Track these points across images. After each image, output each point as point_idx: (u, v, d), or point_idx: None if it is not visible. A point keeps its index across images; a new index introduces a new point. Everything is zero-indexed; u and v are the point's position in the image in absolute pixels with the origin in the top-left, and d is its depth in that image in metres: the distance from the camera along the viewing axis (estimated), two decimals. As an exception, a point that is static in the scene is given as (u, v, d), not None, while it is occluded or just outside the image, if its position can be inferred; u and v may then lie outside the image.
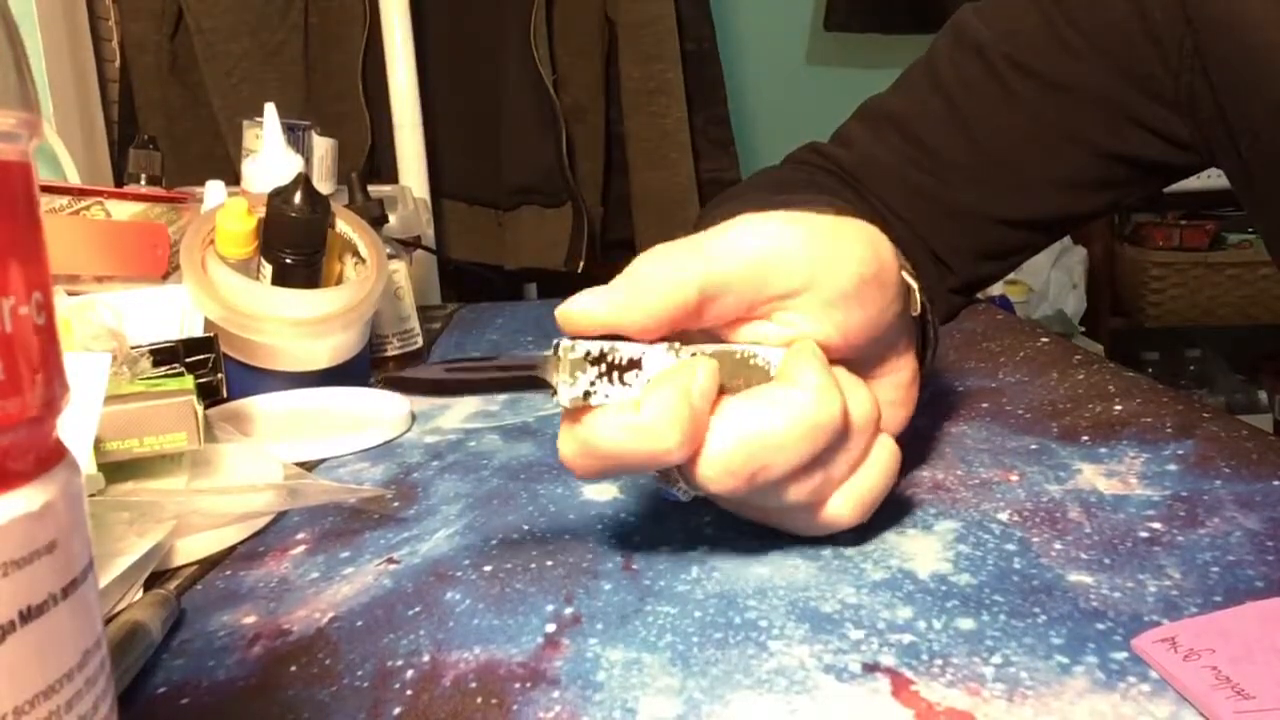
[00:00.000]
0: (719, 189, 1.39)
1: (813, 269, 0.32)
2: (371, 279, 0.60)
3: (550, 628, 0.31)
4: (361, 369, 0.63)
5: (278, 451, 0.46)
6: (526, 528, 0.39)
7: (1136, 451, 0.42)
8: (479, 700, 0.27)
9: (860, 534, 0.35)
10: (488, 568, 0.35)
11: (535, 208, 1.59)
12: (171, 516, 0.37)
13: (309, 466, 0.48)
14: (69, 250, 0.60)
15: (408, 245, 0.78)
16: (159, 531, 0.36)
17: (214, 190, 0.66)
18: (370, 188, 0.73)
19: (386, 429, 0.52)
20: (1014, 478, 0.40)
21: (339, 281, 0.63)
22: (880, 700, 0.26)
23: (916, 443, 0.44)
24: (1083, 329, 2.29)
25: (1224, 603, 0.29)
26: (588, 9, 1.57)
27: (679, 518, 0.38)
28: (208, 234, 0.58)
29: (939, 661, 0.27)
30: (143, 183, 0.81)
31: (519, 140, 1.56)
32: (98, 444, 0.39)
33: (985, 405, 0.50)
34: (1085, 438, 0.44)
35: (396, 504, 0.42)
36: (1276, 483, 0.37)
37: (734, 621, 0.30)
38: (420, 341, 0.73)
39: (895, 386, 0.36)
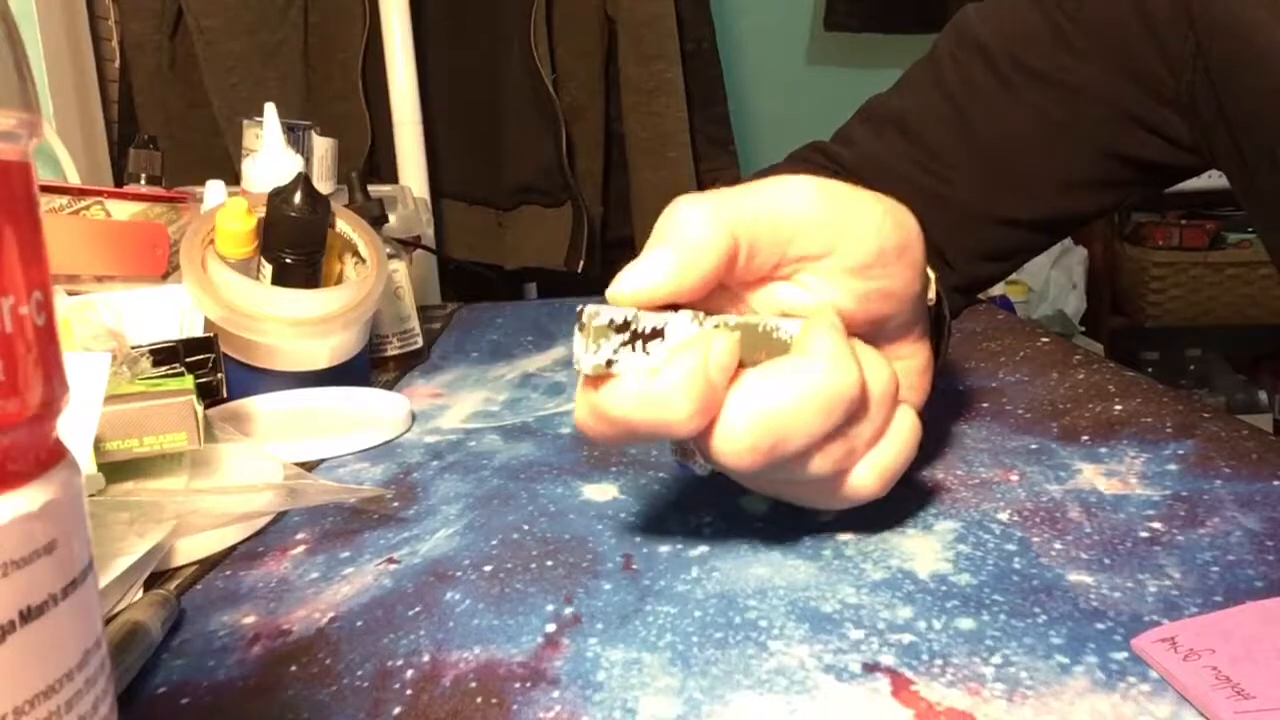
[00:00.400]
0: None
1: (836, 234, 0.32)
2: (371, 279, 0.60)
3: (550, 628, 0.31)
4: (361, 369, 0.63)
5: (278, 451, 0.46)
6: (526, 528, 0.39)
7: (1136, 451, 0.42)
8: (479, 700, 0.27)
9: (860, 534, 0.35)
10: (488, 568, 0.35)
11: (535, 207, 1.59)
12: (171, 516, 0.37)
13: (309, 466, 0.48)
14: (69, 250, 0.60)
15: (408, 245, 0.78)
16: (159, 531, 0.36)
17: (214, 190, 0.66)
18: (370, 188, 0.73)
19: (386, 429, 0.52)
20: (1014, 478, 0.40)
21: (339, 281, 0.63)
22: (880, 700, 0.26)
23: (916, 443, 0.44)
24: (1083, 329, 2.29)
25: (1224, 603, 0.29)
26: (588, 8, 1.57)
27: (679, 517, 0.38)
28: (208, 234, 0.58)
29: (939, 661, 0.27)
30: (143, 183, 0.81)
31: (519, 140, 1.56)
32: (98, 444, 0.39)
33: (985, 405, 0.50)
34: (1085, 438, 0.44)
35: (396, 504, 0.42)
36: (1276, 483, 0.37)
37: (734, 621, 0.30)
38: (420, 341, 0.73)
39: (909, 372, 0.36)
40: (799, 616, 0.30)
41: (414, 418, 0.55)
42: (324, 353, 0.59)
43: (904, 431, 0.33)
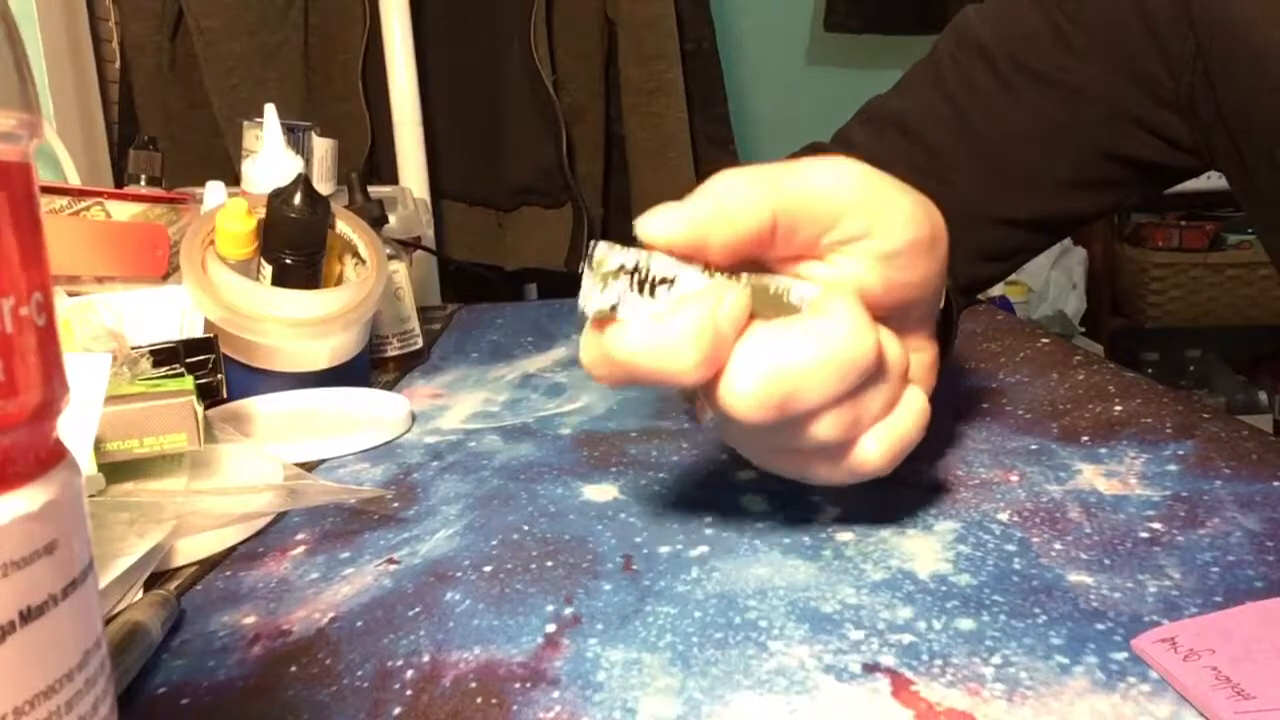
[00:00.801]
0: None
1: (874, 218, 0.32)
2: (371, 279, 0.60)
3: (550, 628, 0.31)
4: (361, 369, 0.63)
5: (278, 452, 0.46)
6: (526, 528, 0.39)
7: (1136, 452, 0.42)
8: (479, 700, 0.27)
9: (860, 534, 0.35)
10: (488, 568, 0.35)
11: (535, 208, 1.59)
12: (171, 517, 0.37)
13: (309, 466, 0.48)
14: (69, 250, 0.60)
15: (408, 245, 0.78)
16: (159, 532, 0.36)
17: (214, 190, 0.66)
18: (370, 188, 0.73)
19: (386, 429, 0.52)
20: (1014, 478, 0.40)
21: (339, 282, 0.63)
22: (880, 700, 0.26)
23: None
24: (1083, 329, 2.29)
25: (1224, 603, 0.29)
26: (588, 9, 1.57)
27: (679, 517, 0.38)
28: (208, 234, 0.58)
29: (939, 661, 0.27)
30: (143, 183, 0.81)
31: (519, 140, 1.56)
32: (98, 444, 0.39)
33: (985, 405, 0.50)
34: (1085, 438, 0.44)
35: (396, 504, 0.42)
36: (1276, 483, 0.37)
37: (734, 621, 0.30)
38: (420, 342, 0.73)
39: (917, 365, 0.36)
40: (799, 617, 0.30)
41: (414, 418, 0.55)
42: (324, 353, 0.59)
43: (914, 408, 0.33)
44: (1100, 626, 0.29)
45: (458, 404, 0.59)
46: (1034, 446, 0.43)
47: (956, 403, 0.50)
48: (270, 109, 0.67)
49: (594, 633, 0.30)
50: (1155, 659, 0.26)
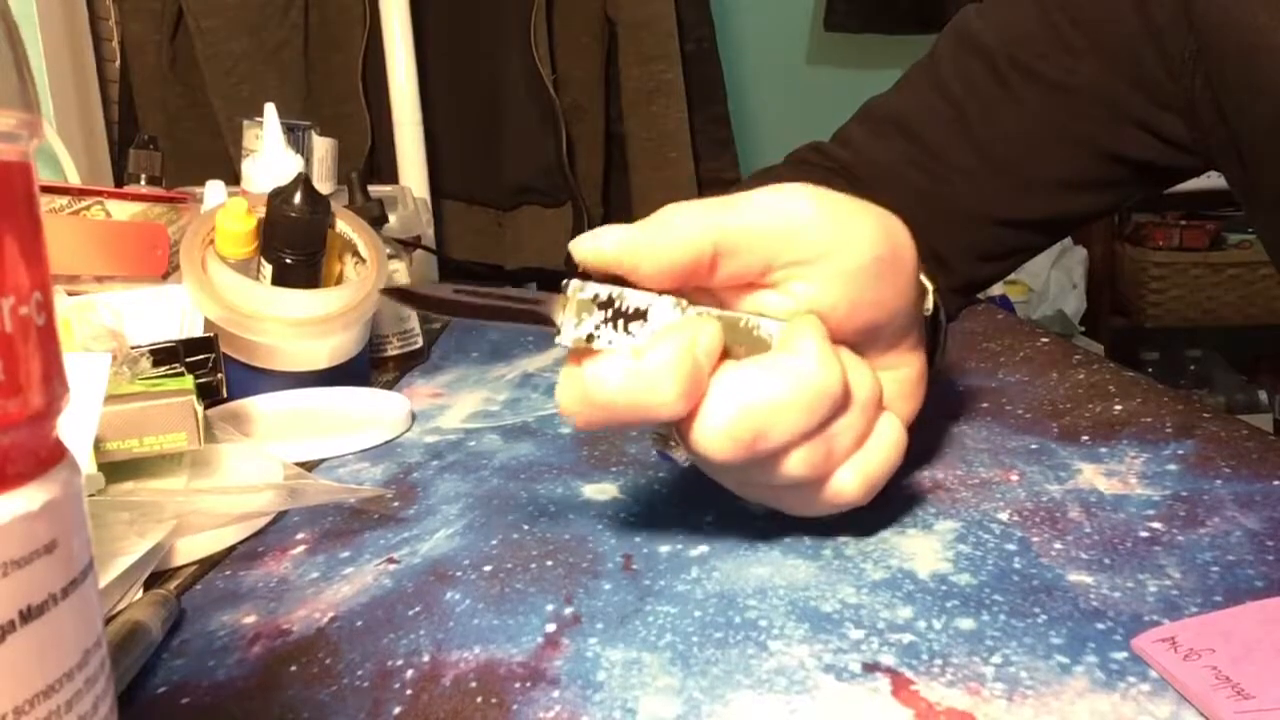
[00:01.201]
0: (719, 189, 1.39)
1: (828, 240, 0.32)
2: (371, 279, 0.60)
3: (550, 627, 0.31)
4: (361, 369, 0.63)
5: (278, 451, 0.46)
6: (526, 528, 0.39)
7: (1136, 451, 0.42)
8: (479, 700, 0.27)
9: (860, 534, 0.35)
10: (488, 568, 0.35)
11: (535, 207, 1.59)
12: (171, 516, 0.37)
13: (309, 466, 0.48)
14: (69, 250, 0.60)
15: (408, 245, 0.78)
16: (159, 531, 0.36)
17: (214, 190, 0.66)
18: (370, 188, 0.73)
19: (386, 429, 0.52)
20: (1014, 478, 0.40)
21: (339, 281, 0.63)
22: (880, 700, 0.26)
23: (916, 442, 0.44)
24: (1083, 329, 2.29)
25: (1224, 603, 0.29)
26: (588, 9, 1.57)
27: (679, 517, 0.38)
28: (208, 234, 0.58)
29: (939, 661, 0.27)
30: (143, 183, 0.81)
31: (519, 140, 1.56)
32: (98, 444, 0.39)
33: (985, 405, 0.50)
34: (1085, 438, 0.44)
35: (396, 504, 0.42)
36: (1276, 483, 0.37)
37: (734, 621, 0.30)
38: (420, 341, 0.73)
39: (901, 381, 0.36)
40: (799, 616, 0.30)
41: (414, 418, 0.55)
42: (324, 353, 0.59)
43: (889, 438, 0.33)
44: (1100, 626, 0.29)
45: (458, 403, 0.59)
46: (1034, 446, 0.43)
47: (956, 403, 0.50)
48: (270, 108, 0.67)
49: (594, 632, 0.30)
50: (1155, 659, 0.26)
